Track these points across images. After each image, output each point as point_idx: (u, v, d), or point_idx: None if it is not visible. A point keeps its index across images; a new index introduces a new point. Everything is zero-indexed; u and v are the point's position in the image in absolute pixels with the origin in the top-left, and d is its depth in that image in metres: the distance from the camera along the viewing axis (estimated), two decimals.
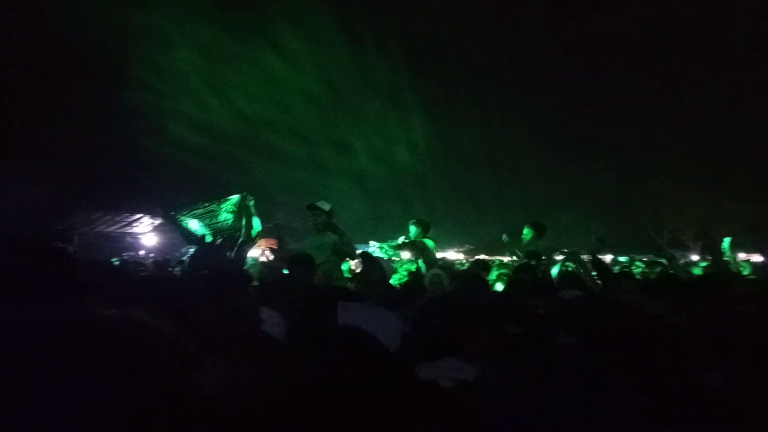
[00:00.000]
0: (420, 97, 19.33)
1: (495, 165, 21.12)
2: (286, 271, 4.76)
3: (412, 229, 5.82)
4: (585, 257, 5.16)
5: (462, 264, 9.30)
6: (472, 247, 17.79)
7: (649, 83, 18.23)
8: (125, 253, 14.18)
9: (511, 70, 18.85)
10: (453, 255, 13.45)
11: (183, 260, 7.60)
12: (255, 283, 4.54)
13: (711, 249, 3.76)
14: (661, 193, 22.17)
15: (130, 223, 17.54)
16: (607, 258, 11.50)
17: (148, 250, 15.55)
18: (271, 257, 5.25)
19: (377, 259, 3.19)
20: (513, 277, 4.19)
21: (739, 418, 1.30)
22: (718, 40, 16.78)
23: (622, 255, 11.91)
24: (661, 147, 20.15)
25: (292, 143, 19.89)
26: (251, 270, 5.31)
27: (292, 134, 19.97)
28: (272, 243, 7.30)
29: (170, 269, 7.35)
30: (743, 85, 17.37)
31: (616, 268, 8.45)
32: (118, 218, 17.16)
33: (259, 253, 7.19)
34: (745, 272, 6.13)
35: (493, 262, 7.44)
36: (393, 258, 8.35)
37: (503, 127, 20.24)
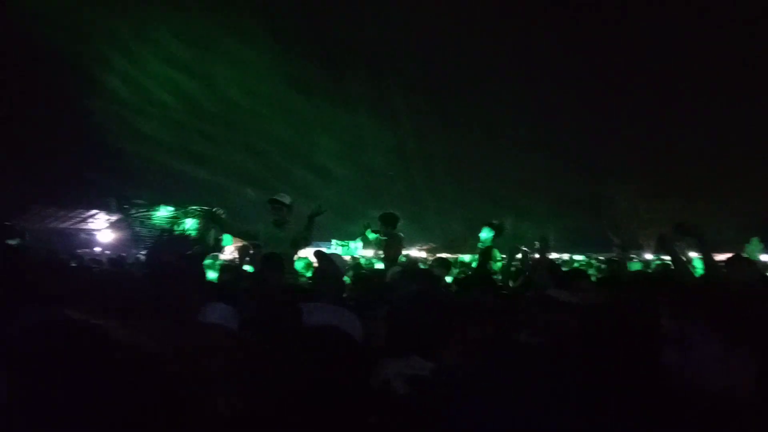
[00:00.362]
0: (380, 97, 19.33)
1: (457, 165, 21.35)
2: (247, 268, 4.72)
3: (394, 224, 5.79)
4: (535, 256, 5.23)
5: (425, 262, 9.39)
6: (435, 245, 17.97)
7: (604, 84, 18.73)
8: (80, 250, 13.74)
9: (467, 71, 19.08)
10: (415, 253, 13.56)
11: (139, 257, 7.44)
12: (214, 280, 4.49)
13: (667, 249, 3.85)
14: (616, 193, 22.90)
15: (84, 219, 16.99)
16: (564, 257, 11.80)
17: (104, 247, 15.11)
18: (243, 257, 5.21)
19: (331, 256, 3.19)
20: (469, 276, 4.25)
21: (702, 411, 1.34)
22: (671, 42, 17.40)
23: (578, 254, 12.23)
24: (616, 148, 20.75)
25: (252, 138, 19.63)
26: (210, 269, 5.25)
27: (252, 129, 19.70)
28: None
29: (126, 266, 7.17)
30: (698, 88, 18.07)
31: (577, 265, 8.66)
32: (71, 214, 16.61)
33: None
34: (698, 272, 6.36)
35: (455, 260, 7.54)
36: (355, 257, 8.33)
37: (463, 128, 20.47)
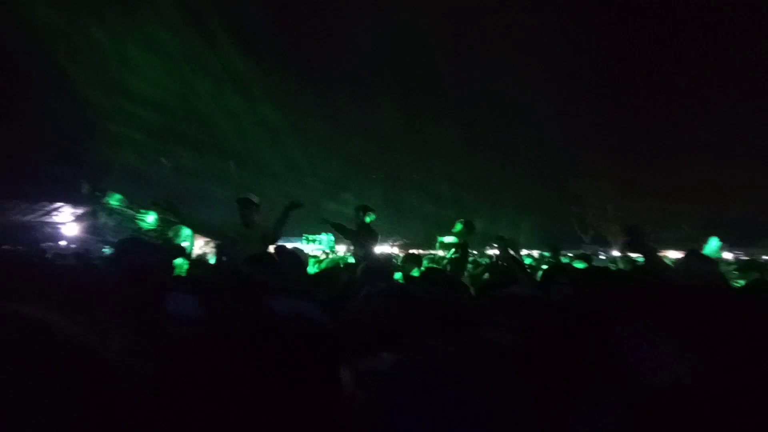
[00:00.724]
0: (353, 92, 19.34)
1: (430, 162, 21.51)
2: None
3: (369, 217, 5.82)
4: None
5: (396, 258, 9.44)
6: (407, 241, 18.06)
7: (571, 84, 19.08)
8: (45, 243, 13.37)
9: (437, 68, 19.25)
10: (387, 249, 13.61)
11: (105, 251, 7.27)
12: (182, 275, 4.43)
13: (644, 247, 3.95)
14: (585, 192, 23.36)
15: (49, 212, 16.51)
16: (534, 253, 11.99)
17: (70, 241, 14.73)
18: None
19: (293, 251, 3.20)
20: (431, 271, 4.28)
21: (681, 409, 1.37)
22: (639, 47, 17.80)
23: (547, 251, 12.42)
24: (585, 148, 21.17)
25: (218, 133, 19.43)
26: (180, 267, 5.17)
27: (217, 124, 19.50)
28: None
29: (92, 261, 7.01)
30: (664, 91, 18.55)
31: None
32: (35, 206, 16.14)
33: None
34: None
35: (426, 256, 7.60)
36: (329, 251, 8.32)
37: (436, 126, 20.66)
